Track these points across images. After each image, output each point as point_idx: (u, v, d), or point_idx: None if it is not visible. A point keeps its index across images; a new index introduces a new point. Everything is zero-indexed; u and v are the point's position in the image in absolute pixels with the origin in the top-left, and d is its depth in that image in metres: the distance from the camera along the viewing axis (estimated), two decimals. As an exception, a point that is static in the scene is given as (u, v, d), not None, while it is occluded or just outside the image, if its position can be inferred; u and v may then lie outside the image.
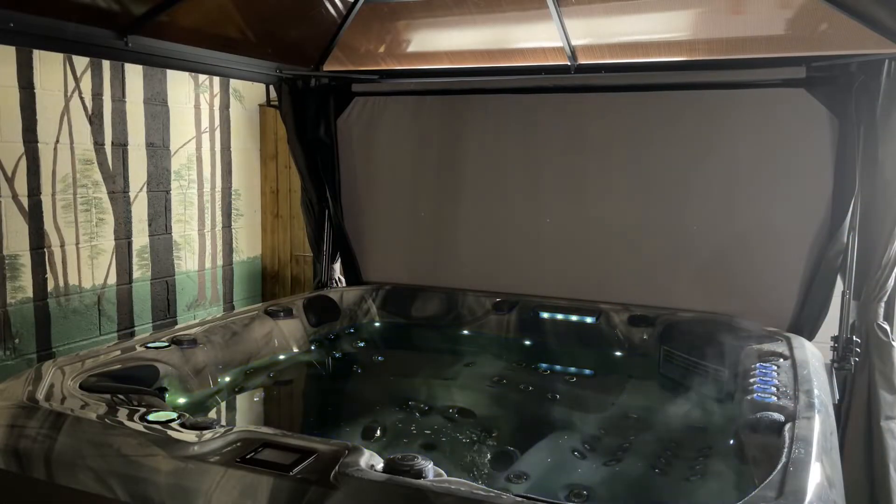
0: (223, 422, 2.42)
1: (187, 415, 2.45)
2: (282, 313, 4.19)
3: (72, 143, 4.74)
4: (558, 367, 4.14)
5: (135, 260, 5.27)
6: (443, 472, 2.07)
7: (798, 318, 3.96)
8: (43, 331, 4.66)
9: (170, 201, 5.53)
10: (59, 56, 4.59)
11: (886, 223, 3.58)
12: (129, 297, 5.24)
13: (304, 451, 2.13)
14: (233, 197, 6.18)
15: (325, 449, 2.14)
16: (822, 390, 2.90)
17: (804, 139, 3.85)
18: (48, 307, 4.68)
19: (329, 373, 4.14)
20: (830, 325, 3.84)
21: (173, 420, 2.39)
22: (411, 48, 4.59)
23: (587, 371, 4.11)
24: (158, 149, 5.39)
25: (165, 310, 5.55)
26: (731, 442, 2.85)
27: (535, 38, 4.22)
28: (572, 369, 4.12)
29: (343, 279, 5.17)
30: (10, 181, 4.40)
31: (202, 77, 5.71)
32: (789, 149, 3.90)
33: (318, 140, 4.94)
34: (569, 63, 4.16)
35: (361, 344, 4.51)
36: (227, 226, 6.14)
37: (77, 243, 4.83)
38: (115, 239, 5.10)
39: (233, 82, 6.03)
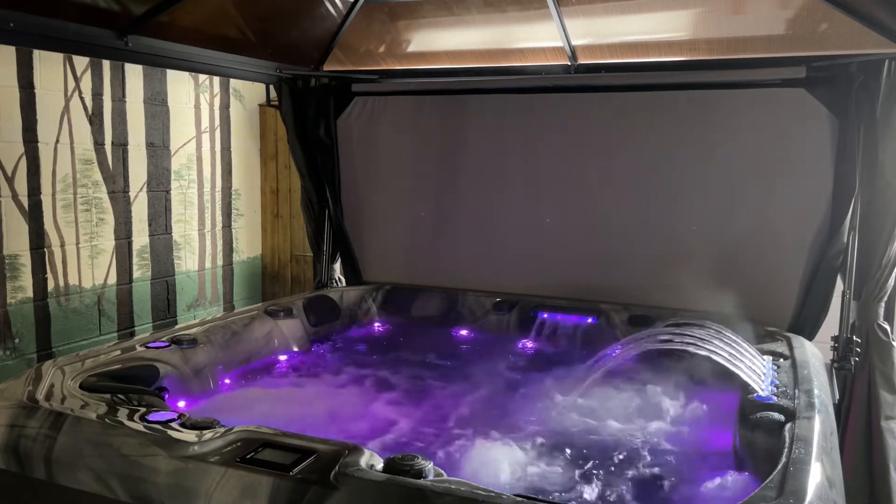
0: (223, 422, 2.41)
1: (187, 415, 2.45)
2: (282, 313, 4.19)
3: (72, 142, 4.74)
4: (558, 367, 4.14)
5: (135, 260, 5.27)
6: (443, 472, 2.07)
7: (798, 317, 3.96)
8: (43, 331, 4.66)
9: (170, 201, 5.53)
10: (59, 56, 4.59)
11: (886, 223, 3.59)
12: (129, 297, 5.24)
13: (304, 451, 2.13)
14: (233, 197, 6.18)
15: (325, 449, 2.14)
16: (822, 390, 2.91)
17: (804, 139, 3.85)
18: (48, 307, 4.68)
19: (329, 373, 4.13)
20: (831, 325, 3.85)
21: (173, 420, 2.39)
22: (411, 48, 4.59)
23: (588, 370, 4.10)
24: (158, 149, 5.39)
25: (165, 310, 5.55)
26: (731, 442, 2.85)
27: (535, 38, 4.22)
28: (572, 369, 4.11)
29: (343, 279, 5.17)
30: (10, 181, 4.40)
31: (202, 77, 5.71)
32: (789, 149, 3.90)
33: (318, 140, 4.94)
34: (569, 63, 4.16)
35: (361, 344, 4.50)
36: (227, 226, 6.14)
37: (77, 243, 4.83)
38: (115, 239, 5.10)
39: (233, 82, 6.03)
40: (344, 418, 3.32)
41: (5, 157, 4.37)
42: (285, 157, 6.29)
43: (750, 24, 3.75)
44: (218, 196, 6.01)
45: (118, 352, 3.23)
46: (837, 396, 3.62)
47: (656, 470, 2.78)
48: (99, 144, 4.93)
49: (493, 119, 4.63)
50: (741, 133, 4.00)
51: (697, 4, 3.75)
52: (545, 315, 4.44)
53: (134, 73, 5.13)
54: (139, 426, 2.36)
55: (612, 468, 2.81)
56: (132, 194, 5.21)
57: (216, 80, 5.86)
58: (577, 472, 2.76)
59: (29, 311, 4.56)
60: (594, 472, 2.78)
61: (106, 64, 4.91)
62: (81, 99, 4.78)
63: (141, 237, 5.30)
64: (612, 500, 2.60)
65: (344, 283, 5.14)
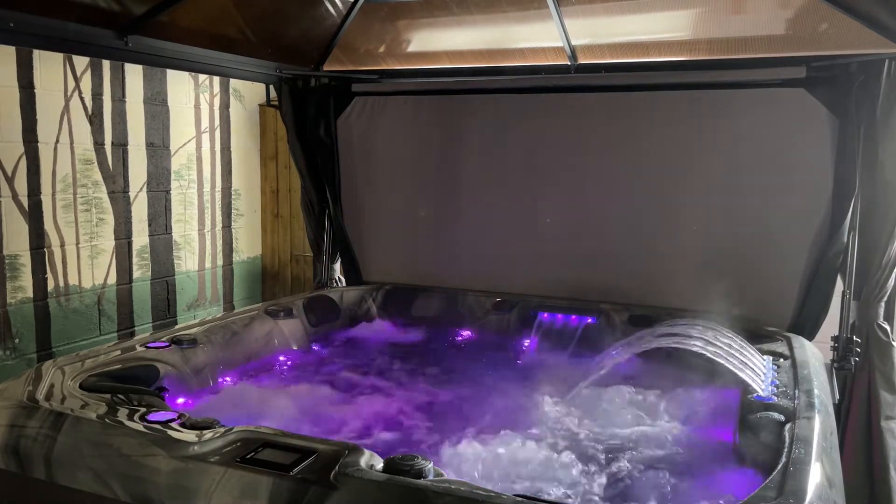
0: (223, 422, 2.41)
1: (187, 415, 2.45)
2: (282, 313, 4.19)
3: (72, 142, 4.74)
4: (558, 367, 4.13)
5: (135, 260, 5.27)
6: (443, 472, 2.07)
7: (798, 318, 3.96)
8: (43, 331, 4.66)
9: (170, 201, 5.53)
10: (59, 56, 4.58)
11: (886, 223, 3.59)
12: (129, 297, 5.24)
13: (304, 451, 2.13)
14: (233, 197, 6.18)
15: (326, 449, 2.14)
16: (822, 390, 2.91)
17: (804, 139, 3.86)
18: (48, 307, 4.68)
19: (329, 373, 4.13)
20: (831, 325, 3.85)
21: (173, 420, 2.39)
22: (411, 48, 4.59)
23: (587, 371, 4.10)
24: (158, 149, 5.39)
25: (165, 310, 5.55)
26: (731, 442, 2.85)
27: (535, 38, 4.22)
28: (572, 369, 4.12)
29: (343, 279, 5.17)
30: (10, 181, 4.40)
31: (202, 77, 5.71)
32: (789, 149, 3.90)
33: (318, 140, 4.94)
34: (569, 63, 4.16)
35: (361, 344, 4.50)
36: (227, 226, 6.14)
37: (77, 243, 4.83)
38: (115, 239, 5.10)
39: (233, 82, 6.03)
40: (344, 418, 3.33)
41: (5, 157, 4.37)
42: (285, 157, 6.29)
43: (750, 24, 3.76)
44: (218, 196, 6.01)
45: (118, 352, 3.23)
46: (837, 396, 3.63)
47: (656, 470, 2.78)
48: (99, 144, 4.93)
49: (492, 119, 4.63)
50: (741, 133, 4.00)
51: (697, 4, 3.76)
52: (545, 315, 4.44)
53: (134, 73, 5.13)
54: (139, 426, 2.36)
55: (612, 467, 2.81)
56: (132, 194, 5.21)
57: (216, 80, 5.86)
58: (576, 472, 2.76)
59: (29, 311, 4.56)
60: (593, 471, 2.78)
61: (106, 64, 4.91)
62: (81, 99, 4.78)
63: (141, 237, 5.30)
64: (611, 499, 2.60)
65: (344, 283, 5.14)
